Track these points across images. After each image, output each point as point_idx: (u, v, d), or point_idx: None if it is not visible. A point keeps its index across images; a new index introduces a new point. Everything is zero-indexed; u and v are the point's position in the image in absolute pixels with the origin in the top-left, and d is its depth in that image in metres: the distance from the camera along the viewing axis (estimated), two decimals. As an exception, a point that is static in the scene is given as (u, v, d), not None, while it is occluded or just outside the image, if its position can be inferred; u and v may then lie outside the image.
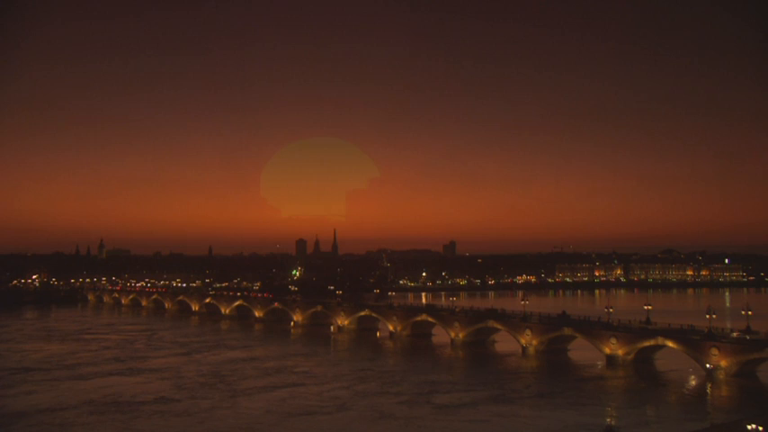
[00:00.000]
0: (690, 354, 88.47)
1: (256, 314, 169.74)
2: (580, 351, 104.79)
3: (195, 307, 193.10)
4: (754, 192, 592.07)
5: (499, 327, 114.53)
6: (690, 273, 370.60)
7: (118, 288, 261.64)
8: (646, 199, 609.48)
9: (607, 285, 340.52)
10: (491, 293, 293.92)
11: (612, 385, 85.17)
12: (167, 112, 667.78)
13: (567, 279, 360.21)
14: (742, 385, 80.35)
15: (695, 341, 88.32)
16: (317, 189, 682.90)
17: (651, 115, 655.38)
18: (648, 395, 78.36)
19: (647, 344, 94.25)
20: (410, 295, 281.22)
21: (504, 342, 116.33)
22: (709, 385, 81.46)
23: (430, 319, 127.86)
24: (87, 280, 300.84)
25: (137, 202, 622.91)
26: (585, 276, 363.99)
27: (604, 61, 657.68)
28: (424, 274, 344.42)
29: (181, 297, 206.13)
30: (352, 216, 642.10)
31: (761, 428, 47.41)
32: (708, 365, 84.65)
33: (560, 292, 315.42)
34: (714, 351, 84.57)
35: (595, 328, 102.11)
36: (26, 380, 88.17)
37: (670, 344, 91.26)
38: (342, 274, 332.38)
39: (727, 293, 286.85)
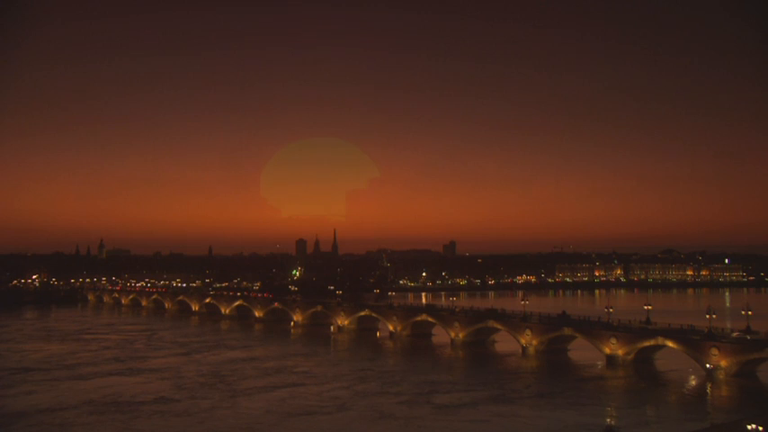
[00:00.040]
0: (690, 354, 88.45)
1: (256, 314, 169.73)
2: (580, 351, 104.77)
3: (195, 307, 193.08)
4: (754, 192, 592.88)
5: (499, 327, 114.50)
6: (690, 273, 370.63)
7: (118, 288, 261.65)
8: (646, 199, 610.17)
9: (607, 285, 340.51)
10: (491, 293, 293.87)
11: (612, 385, 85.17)
12: (167, 112, 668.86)
13: (567, 279, 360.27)
14: (742, 385, 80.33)
15: (695, 341, 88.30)
16: (317, 189, 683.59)
17: (651, 115, 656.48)
18: (648, 395, 78.36)
19: (647, 344, 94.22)
20: (410, 295, 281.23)
21: (504, 342, 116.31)
22: (709, 385, 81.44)
23: (430, 319, 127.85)
24: (87, 280, 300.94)
25: (137, 202, 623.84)
26: (585, 276, 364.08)
27: (604, 61, 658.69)
28: (424, 274, 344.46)
29: (181, 297, 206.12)
30: (352, 216, 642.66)
31: (761, 428, 47.39)
32: (708, 365, 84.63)
33: (560, 292, 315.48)
34: (714, 351, 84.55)
35: (595, 328, 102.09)
36: (26, 380, 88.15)
37: (670, 344, 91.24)
38: (342, 274, 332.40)
39: (727, 293, 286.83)
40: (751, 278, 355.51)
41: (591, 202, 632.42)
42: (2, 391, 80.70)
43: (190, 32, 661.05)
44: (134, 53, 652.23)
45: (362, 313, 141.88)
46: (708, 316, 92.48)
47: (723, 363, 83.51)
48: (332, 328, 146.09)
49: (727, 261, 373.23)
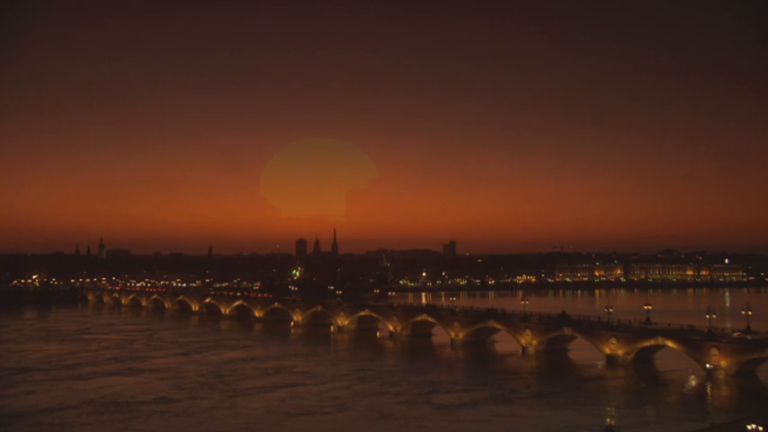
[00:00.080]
0: (690, 354, 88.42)
1: (256, 314, 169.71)
2: (580, 351, 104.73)
3: (195, 307, 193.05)
4: (754, 192, 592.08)
5: (499, 327, 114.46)
6: (690, 273, 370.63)
7: (118, 288, 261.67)
8: (646, 199, 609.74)
9: (607, 285, 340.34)
10: (491, 293, 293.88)
11: (612, 385, 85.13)
12: (167, 112, 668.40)
13: (567, 279, 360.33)
14: (742, 385, 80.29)
15: (695, 341, 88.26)
16: (317, 189, 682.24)
17: (651, 115, 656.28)
18: (648, 395, 78.31)
19: (647, 344, 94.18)
20: (410, 295, 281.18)
21: (504, 342, 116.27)
22: (709, 385, 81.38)
23: (430, 319, 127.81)
24: (87, 280, 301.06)
25: (137, 202, 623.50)
26: (585, 276, 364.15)
27: (604, 61, 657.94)
28: (424, 274, 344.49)
29: (181, 297, 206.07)
30: (352, 216, 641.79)
31: (761, 428, 47.34)
32: (708, 365, 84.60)
33: (560, 292, 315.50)
34: (714, 351, 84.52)
35: (595, 328, 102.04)
36: (26, 380, 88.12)
37: (670, 344, 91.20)
38: (342, 274, 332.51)
39: (727, 293, 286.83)
40: (751, 278, 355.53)
41: (591, 202, 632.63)
42: (2, 391, 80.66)
43: (190, 32, 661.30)
44: (134, 53, 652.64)
45: (362, 313, 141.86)
46: (708, 316, 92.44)
47: (723, 363, 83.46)
48: (332, 328, 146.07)
49: (727, 261, 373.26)
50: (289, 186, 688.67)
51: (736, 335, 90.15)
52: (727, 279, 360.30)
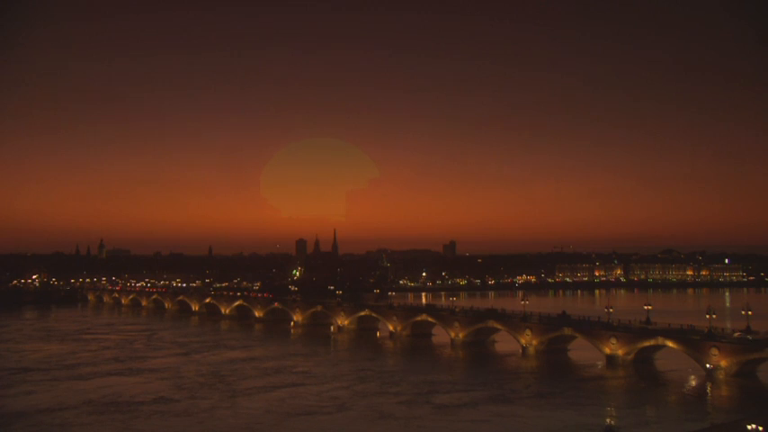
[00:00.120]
0: (690, 354, 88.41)
1: (256, 314, 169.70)
2: (580, 351, 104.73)
3: (195, 307, 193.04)
4: (754, 192, 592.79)
5: (499, 327, 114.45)
6: (690, 273, 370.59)
7: (118, 288, 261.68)
8: (646, 199, 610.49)
9: (607, 285, 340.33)
10: (491, 293, 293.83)
11: (612, 385, 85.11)
12: (167, 112, 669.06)
13: (567, 279, 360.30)
14: (742, 385, 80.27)
15: (695, 341, 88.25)
16: (317, 189, 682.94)
17: (651, 115, 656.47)
18: (648, 395, 78.32)
19: (647, 344, 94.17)
20: (410, 295, 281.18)
21: (504, 342, 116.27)
22: (709, 385, 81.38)
23: (430, 319, 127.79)
24: (87, 280, 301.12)
25: (137, 202, 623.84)
26: (585, 276, 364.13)
27: (604, 61, 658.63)
28: (424, 274, 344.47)
29: (181, 297, 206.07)
30: (352, 216, 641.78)
31: (761, 428, 47.33)
32: (708, 365, 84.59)
33: (560, 292, 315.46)
34: (714, 351, 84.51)
35: (595, 328, 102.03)
36: (25, 380, 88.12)
37: (670, 344, 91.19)
38: (342, 274, 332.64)
39: (727, 293, 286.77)
40: (751, 278, 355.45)
41: (591, 202, 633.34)
42: (2, 391, 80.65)
43: (190, 32, 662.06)
44: (134, 53, 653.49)
45: (362, 313, 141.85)
46: (708, 316, 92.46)
47: (723, 363, 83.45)
48: (332, 328, 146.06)
49: (727, 261, 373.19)
50: (289, 186, 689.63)
51: (736, 335, 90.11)
52: (727, 279, 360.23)
